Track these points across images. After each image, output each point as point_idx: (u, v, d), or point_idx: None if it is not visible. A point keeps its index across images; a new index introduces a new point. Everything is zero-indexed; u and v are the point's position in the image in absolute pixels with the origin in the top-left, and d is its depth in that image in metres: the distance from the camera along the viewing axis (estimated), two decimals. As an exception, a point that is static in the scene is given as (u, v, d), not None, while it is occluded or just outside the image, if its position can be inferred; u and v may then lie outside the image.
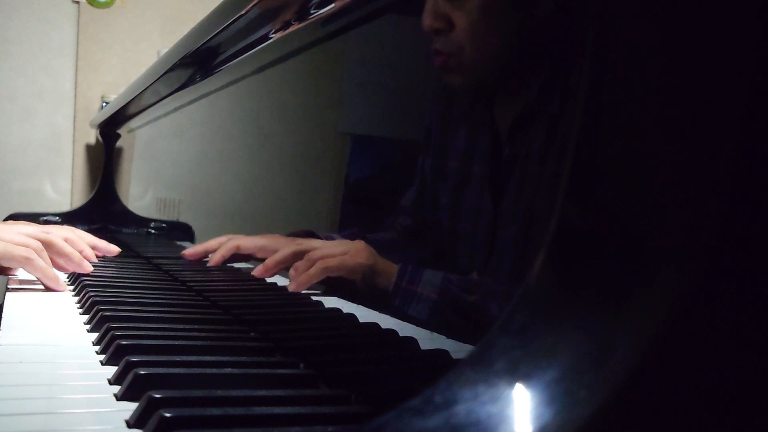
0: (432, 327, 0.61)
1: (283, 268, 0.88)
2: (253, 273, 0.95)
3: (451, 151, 0.63)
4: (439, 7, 0.63)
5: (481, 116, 0.62)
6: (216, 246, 1.09)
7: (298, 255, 0.83)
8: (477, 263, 0.59)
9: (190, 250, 1.14)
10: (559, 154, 0.51)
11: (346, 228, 0.82)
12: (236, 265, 1.09)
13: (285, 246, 0.88)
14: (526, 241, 0.53)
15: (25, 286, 1.01)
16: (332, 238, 0.82)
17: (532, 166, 0.54)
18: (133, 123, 2.03)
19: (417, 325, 0.63)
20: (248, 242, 1.04)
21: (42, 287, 0.99)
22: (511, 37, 0.60)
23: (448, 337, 0.58)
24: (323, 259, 0.77)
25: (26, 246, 0.96)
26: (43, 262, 0.97)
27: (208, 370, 0.54)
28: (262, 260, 0.98)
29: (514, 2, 0.59)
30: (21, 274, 1.04)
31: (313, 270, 0.78)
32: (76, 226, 2.10)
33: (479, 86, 0.63)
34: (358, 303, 0.73)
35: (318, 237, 0.86)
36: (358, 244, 0.72)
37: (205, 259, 1.13)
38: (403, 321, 0.65)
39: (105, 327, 0.67)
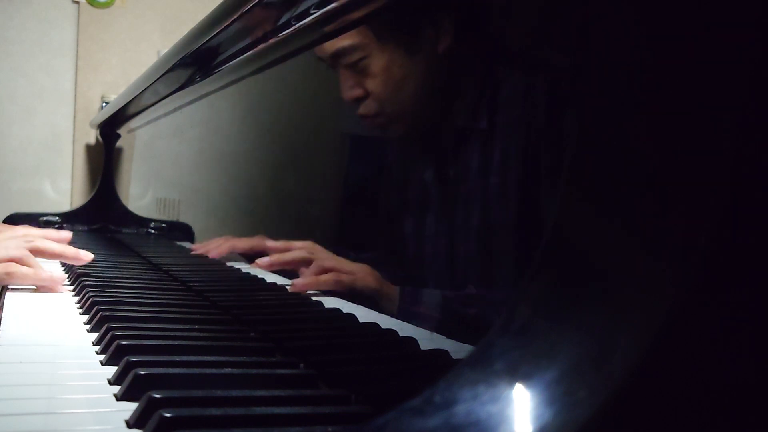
0: (432, 327, 0.61)
1: (287, 268, 0.89)
2: (257, 262, 0.94)
3: (408, 183, 0.67)
4: (350, 80, 0.71)
5: (421, 151, 0.66)
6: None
7: (307, 262, 0.85)
8: (443, 280, 0.62)
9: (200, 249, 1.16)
10: (500, 164, 0.55)
11: (345, 228, 0.82)
12: (236, 265, 1.09)
13: (298, 249, 0.90)
14: (489, 252, 0.57)
15: (25, 286, 1.01)
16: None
17: (476, 180, 0.57)
18: (133, 123, 2.03)
19: (417, 325, 0.63)
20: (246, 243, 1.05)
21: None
22: (423, 79, 0.66)
23: (448, 337, 0.58)
24: (337, 273, 0.79)
25: (4, 260, 0.95)
26: (27, 268, 0.96)
27: (208, 370, 0.54)
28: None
29: (412, 52, 0.64)
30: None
31: (324, 278, 0.81)
32: (75, 226, 2.11)
33: (414, 127, 0.68)
34: (358, 303, 0.73)
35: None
36: (366, 268, 0.74)
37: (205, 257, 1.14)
38: (403, 321, 0.65)
39: (105, 327, 0.67)
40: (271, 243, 0.98)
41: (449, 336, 0.58)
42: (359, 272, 0.76)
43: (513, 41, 0.58)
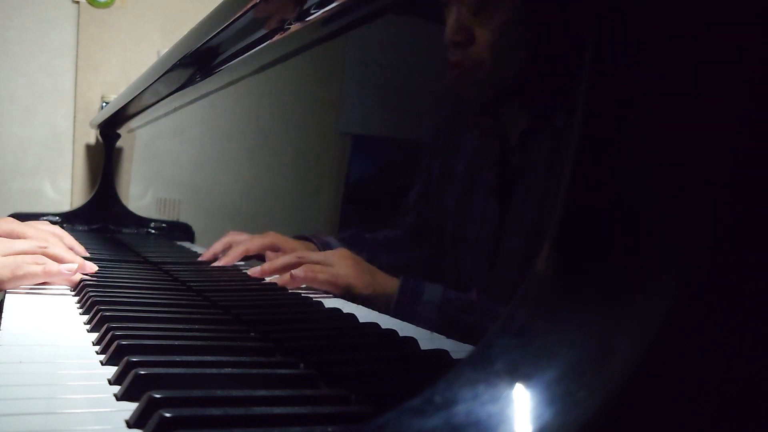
0: (432, 327, 0.61)
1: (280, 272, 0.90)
2: (249, 272, 0.95)
3: (459, 154, 0.64)
4: (463, 21, 0.64)
5: (492, 124, 0.63)
6: (221, 248, 1.11)
7: (296, 266, 0.86)
8: (479, 271, 0.59)
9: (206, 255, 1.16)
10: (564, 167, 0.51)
11: (345, 228, 0.82)
12: (236, 265, 1.09)
13: (287, 254, 0.90)
14: (530, 254, 0.54)
15: (25, 287, 1.01)
16: (329, 243, 0.83)
17: (538, 178, 0.55)
18: (133, 123, 2.03)
19: (417, 325, 0.63)
20: (255, 244, 1.05)
21: (41, 287, 0.99)
22: (527, 54, 0.61)
23: (448, 337, 0.58)
24: (308, 266, 0.79)
25: (29, 253, 0.95)
26: (55, 264, 0.97)
27: (208, 370, 0.54)
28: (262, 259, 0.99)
29: (533, 20, 0.60)
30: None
31: (298, 272, 0.80)
32: (75, 226, 2.11)
33: (493, 97, 0.64)
34: (358, 303, 0.73)
35: (312, 242, 0.87)
36: (353, 270, 0.74)
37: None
38: (404, 321, 0.65)
39: (105, 327, 0.67)
40: (279, 240, 0.98)
41: (449, 336, 0.58)
42: (344, 274, 0.77)
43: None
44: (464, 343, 0.56)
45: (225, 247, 1.12)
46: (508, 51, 0.62)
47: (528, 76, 0.60)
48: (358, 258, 0.75)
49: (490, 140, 0.62)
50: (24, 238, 1.03)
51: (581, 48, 0.52)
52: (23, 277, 0.94)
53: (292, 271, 0.85)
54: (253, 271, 0.94)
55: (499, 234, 0.58)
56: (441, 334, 0.60)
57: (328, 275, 0.80)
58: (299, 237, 0.92)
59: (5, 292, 0.95)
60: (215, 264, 1.11)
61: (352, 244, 0.78)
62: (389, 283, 0.69)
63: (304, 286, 0.86)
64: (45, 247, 1.01)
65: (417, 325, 0.63)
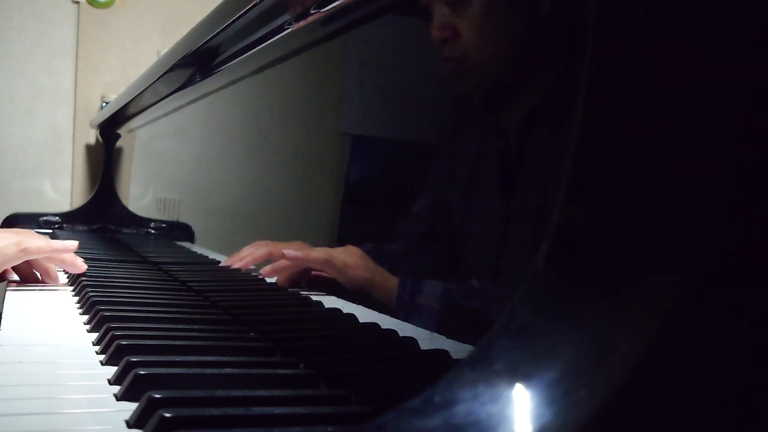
0: (432, 327, 0.61)
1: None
2: (261, 272, 0.95)
3: (461, 155, 0.64)
4: (444, 18, 0.65)
5: (490, 119, 0.63)
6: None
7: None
8: (487, 264, 0.59)
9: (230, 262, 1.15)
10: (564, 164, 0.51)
11: (347, 230, 0.82)
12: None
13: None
14: (537, 241, 0.53)
15: (24, 287, 1.01)
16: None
17: (540, 166, 0.55)
18: (133, 123, 2.03)
19: (419, 321, 0.63)
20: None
21: (41, 287, 0.99)
22: (515, 38, 0.61)
23: (448, 337, 0.58)
24: (329, 252, 0.79)
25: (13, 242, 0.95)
26: (39, 240, 0.97)
27: (208, 370, 0.54)
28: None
29: (514, 4, 0.61)
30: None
31: (315, 254, 0.81)
32: (75, 226, 2.11)
33: (488, 88, 0.64)
34: (358, 303, 0.73)
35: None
36: (356, 259, 0.74)
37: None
38: (404, 321, 0.65)
39: (105, 327, 0.67)
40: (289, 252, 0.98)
41: (449, 336, 0.58)
42: (351, 262, 0.76)
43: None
44: (464, 342, 0.56)
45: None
46: (494, 37, 0.63)
47: (520, 65, 0.60)
48: (361, 251, 0.75)
49: (488, 135, 0.62)
50: None
51: (576, 33, 0.52)
52: (27, 250, 0.95)
53: (284, 251, 0.85)
54: (265, 270, 0.94)
55: (503, 228, 0.58)
56: (443, 328, 0.60)
57: (324, 253, 0.80)
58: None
59: (5, 291, 0.95)
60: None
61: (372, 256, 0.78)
62: (388, 277, 0.69)
63: (303, 285, 0.86)
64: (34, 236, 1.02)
65: (419, 319, 0.63)
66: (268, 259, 0.99)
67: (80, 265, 1.03)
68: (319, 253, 0.81)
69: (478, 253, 0.60)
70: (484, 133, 0.63)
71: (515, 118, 0.59)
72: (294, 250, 0.86)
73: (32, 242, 0.96)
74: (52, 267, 1.03)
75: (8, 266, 0.96)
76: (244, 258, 1.05)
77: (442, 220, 0.66)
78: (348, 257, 0.76)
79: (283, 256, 0.88)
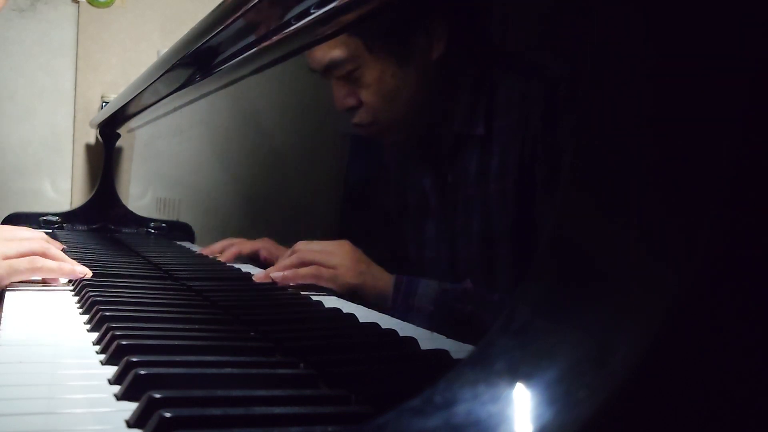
0: (428, 327, 0.61)
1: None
2: (254, 278, 0.95)
3: (407, 189, 0.67)
4: (343, 89, 0.70)
5: (422, 159, 0.65)
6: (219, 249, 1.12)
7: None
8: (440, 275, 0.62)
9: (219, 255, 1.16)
10: (499, 169, 0.54)
11: (347, 230, 0.82)
12: (236, 265, 1.09)
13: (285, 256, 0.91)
14: (488, 256, 0.57)
15: (24, 286, 1.01)
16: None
17: (474, 186, 0.56)
18: (133, 123, 2.03)
19: (417, 325, 0.63)
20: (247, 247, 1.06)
21: (41, 287, 0.99)
22: (417, 86, 0.65)
23: (448, 337, 0.58)
24: (317, 267, 0.80)
25: (28, 253, 0.96)
26: (52, 261, 0.97)
27: (208, 370, 0.54)
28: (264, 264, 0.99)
29: (404, 60, 0.64)
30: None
31: (304, 271, 0.81)
32: (75, 226, 2.11)
33: (408, 137, 0.68)
34: (358, 303, 0.73)
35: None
36: (348, 262, 0.75)
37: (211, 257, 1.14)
38: (404, 321, 0.65)
39: (105, 327, 0.67)
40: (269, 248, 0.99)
41: (449, 335, 0.58)
42: (341, 267, 0.77)
43: (508, 46, 0.57)
44: (464, 342, 0.56)
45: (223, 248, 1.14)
46: (395, 94, 0.68)
47: (430, 107, 0.63)
48: (356, 249, 0.76)
49: (424, 170, 0.65)
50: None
51: (476, 58, 0.54)
52: (40, 269, 0.95)
53: (300, 270, 0.85)
54: (258, 276, 0.94)
55: (450, 248, 0.61)
56: (438, 328, 0.60)
57: (312, 270, 0.81)
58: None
59: (6, 291, 0.95)
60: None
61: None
62: (381, 276, 0.69)
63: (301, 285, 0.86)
64: (48, 248, 1.02)
65: (413, 319, 0.63)
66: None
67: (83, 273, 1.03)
68: (306, 270, 0.82)
69: (437, 274, 0.62)
70: (419, 170, 0.65)
71: (445, 148, 0.62)
72: (279, 270, 0.86)
73: (46, 262, 0.97)
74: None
75: (15, 280, 0.96)
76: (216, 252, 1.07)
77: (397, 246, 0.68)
78: (338, 260, 0.77)
79: (268, 278, 0.88)
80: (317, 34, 0.89)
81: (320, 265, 0.80)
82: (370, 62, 0.68)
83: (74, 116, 2.64)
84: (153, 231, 1.82)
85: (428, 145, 0.64)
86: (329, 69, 0.75)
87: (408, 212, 0.67)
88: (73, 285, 1.01)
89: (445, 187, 0.62)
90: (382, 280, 0.69)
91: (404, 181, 0.68)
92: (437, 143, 0.63)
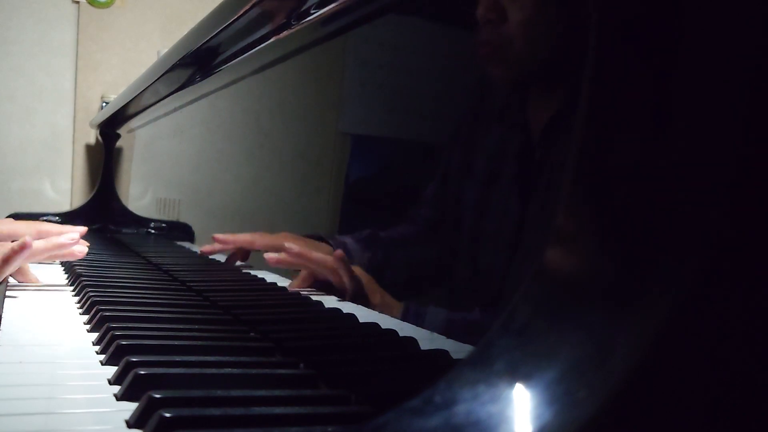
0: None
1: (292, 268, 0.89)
2: (265, 257, 0.93)
3: (481, 148, 0.63)
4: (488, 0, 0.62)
5: (515, 116, 0.61)
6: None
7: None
8: (495, 264, 0.58)
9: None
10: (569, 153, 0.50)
11: (349, 228, 0.82)
12: (236, 264, 1.09)
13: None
14: (539, 242, 0.52)
15: (24, 286, 1.01)
16: (344, 243, 0.82)
17: (561, 171, 0.54)
18: (133, 123, 2.03)
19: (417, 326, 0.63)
20: (265, 240, 1.04)
21: (41, 287, 0.99)
22: (557, 37, 0.59)
23: (448, 337, 0.58)
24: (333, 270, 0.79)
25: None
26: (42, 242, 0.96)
27: (208, 370, 0.54)
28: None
29: (567, 2, 0.59)
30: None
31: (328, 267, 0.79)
32: (75, 226, 2.11)
33: (523, 82, 0.62)
34: (358, 303, 0.73)
35: (329, 243, 0.86)
36: (361, 287, 0.74)
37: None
38: (403, 321, 0.65)
39: (105, 327, 0.67)
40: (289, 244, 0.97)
41: (449, 336, 0.58)
42: (354, 287, 0.76)
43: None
44: (464, 342, 0.56)
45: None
46: (540, 32, 0.60)
47: (555, 63, 0.58)
48: (369, 278, 0.74)
49: (513, 133, 0.60)
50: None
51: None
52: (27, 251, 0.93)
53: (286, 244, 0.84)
54: (269, 256, 0.91)
55: (519, 230, 0.57)
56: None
57: (331, 261, 0.79)
58: (314, 237, 0.91)
59: (5, 291, 0.95)
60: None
61: (369, 243, 0.77)
62: (392, 303, 0.68)
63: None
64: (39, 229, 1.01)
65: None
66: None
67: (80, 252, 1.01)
68: (328, 260, 0.80)
69: (490, 252, 0.59)
70: (509, 129, 0.61)
71: (542, 118, 0.57)
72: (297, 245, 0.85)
73: (13, 257, 0.92)
74: (26, 266, 1.01)
75: None
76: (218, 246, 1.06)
77: (450, 210, 0.65)
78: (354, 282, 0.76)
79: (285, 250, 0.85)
80: (317, 34, 0.89)
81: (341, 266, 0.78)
82: None
83: (74, 116, 2.64)
84: (153, 231, 1.82)
85: (530, 107, 0.59)
86: None
87: (473, 171, 0.62)
88: (73, 285, 1.01)
89: (529, 163, 0.57)
90: (392, 306, 0.68)
91: (481, 136, 0.63)
92: (540, 109, 0.57)
